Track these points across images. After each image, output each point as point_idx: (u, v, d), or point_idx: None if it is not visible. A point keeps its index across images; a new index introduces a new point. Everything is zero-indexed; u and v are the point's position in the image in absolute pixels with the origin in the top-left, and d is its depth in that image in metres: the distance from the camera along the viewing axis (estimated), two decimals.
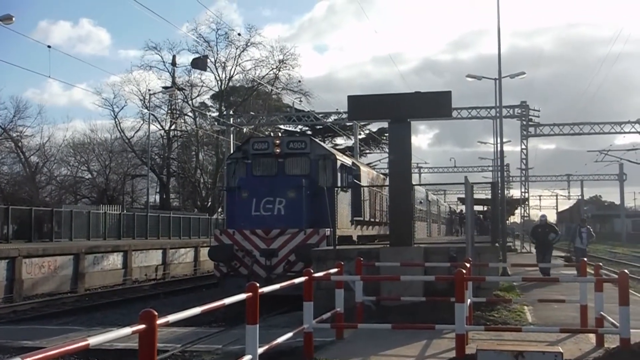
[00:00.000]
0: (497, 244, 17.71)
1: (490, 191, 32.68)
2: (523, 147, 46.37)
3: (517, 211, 54.91)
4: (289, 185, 18.70)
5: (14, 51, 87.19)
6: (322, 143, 22.89)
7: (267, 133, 48.10)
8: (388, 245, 15.45)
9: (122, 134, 59.00)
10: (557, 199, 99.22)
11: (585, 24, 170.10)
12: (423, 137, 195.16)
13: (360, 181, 21.87)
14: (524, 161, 46.71)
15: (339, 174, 19.84)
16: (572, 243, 22.92)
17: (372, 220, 23.66)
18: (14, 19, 29.60)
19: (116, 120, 58.23)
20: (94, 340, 4.18)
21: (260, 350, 7.17)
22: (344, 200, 19.87)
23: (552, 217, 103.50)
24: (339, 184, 19.40)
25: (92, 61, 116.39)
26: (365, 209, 22.16)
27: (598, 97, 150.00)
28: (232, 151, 32.11)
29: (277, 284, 8.44)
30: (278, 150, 19.41)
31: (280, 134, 36.61)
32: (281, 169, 19.46)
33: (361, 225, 22.07)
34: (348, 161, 21.64)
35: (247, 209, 18.67)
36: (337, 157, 20.30)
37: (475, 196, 27.68)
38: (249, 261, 18.19)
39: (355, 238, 20.77)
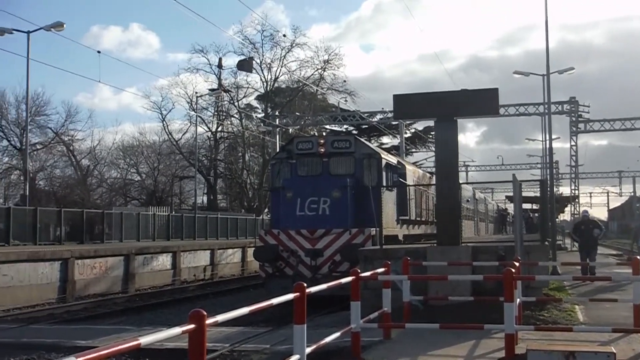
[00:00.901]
0: (546, 242, 17.41)
1: (539, 189, 32.11)
2: (572, 143, 45.61)
3: (567, 209, 53.95)
4: (334, 185, 18.63)
5: (66, 57, 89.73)
6: (366, 142, 22.79)
7: (312, 133, 48.26)
8: (435, 245, 15.32)
9: (169, 136, 60.11)
10: (608, 196, 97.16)
11: (636, 17, 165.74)
12: (470, 135, 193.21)
13: (405, 180, 21.72)
14: (574, 158, 45.93)
15: (384, 173, 19.71)
16: (636, 242, 20.70)
17: (418, 219, 23.49)
18: (64, 25, 30.50)
19: (164, 122, 59.36)
20: (145, 340, 4.23)
21: (308, 350, 7.17)
22: (389, 200, 19.72)
23: (603, 215, 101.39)
24: (384, 183, 19.25)
25: (142, 65, 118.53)
26: (411, 208, 21.99)
27: None
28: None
29: (323, 284, 8.44)
30: (322, 150, 19.31)
31: (324, 134, 36.73)
32: (326, 168, 19.39)
33: (407, 224, 21.93)
34: (393, 160, 21.49)
35: (292, 209, 18.67)
36: (382, 156, 20.17)
37: (524, 194, 27.25)
38: (294, 261, 18.20)
39: (401, 237, 20.63)
